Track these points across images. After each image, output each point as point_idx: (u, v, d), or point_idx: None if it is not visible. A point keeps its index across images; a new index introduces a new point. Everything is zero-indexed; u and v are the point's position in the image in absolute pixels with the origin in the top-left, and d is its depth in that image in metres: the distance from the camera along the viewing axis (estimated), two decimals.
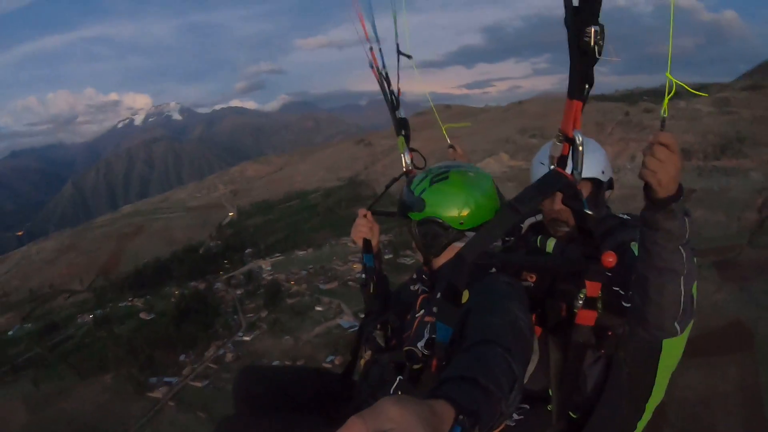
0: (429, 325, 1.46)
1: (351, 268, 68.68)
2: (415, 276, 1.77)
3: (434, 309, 1.45)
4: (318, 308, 58.66)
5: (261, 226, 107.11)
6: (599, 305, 1.35)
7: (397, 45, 1.92)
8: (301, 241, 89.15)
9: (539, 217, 1.93)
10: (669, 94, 1.17)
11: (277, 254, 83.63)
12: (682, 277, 1.24)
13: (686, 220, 1.23)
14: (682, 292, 1.25)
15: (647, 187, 1.22)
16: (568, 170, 1.20)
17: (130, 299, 74.35)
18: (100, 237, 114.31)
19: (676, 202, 1.21)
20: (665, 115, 1.22)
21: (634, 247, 1.49)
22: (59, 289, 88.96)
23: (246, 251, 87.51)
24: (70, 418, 42.49)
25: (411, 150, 1.98)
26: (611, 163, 1.89)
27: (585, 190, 1.77)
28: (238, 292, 68.98)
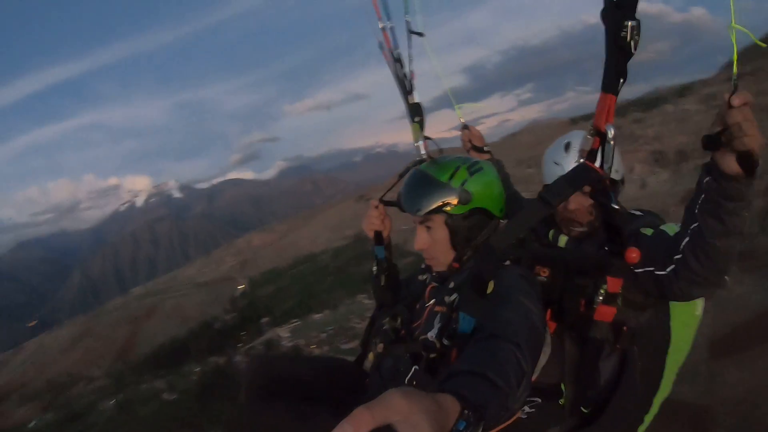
0: (439, 315, 1.44)
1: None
2: (423, 266, 1.75)
3: (447, 298, 1.46)
4: None
5: (274, 293, 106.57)
6: (619, 301, 1.35)
7: (407, 23, 1.81)
8: (317, 304, 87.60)
9: None
10: (737, 49, 1.04)
11: (294, 320, 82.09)
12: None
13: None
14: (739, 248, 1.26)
15: (743, 157, 1.11)
16: (597, 164, 1.16)
17: (150, 381, 73.55)
18: (114, 321, 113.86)
19: (758, 167, 1.15)
20: (737, 73, 1.09)
21: (646, 230, 1.56)
22: (77, 377, 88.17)
23: (262, 321, 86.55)
24: None
25: (425, 138, 1.82)
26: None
27: None
28: None
